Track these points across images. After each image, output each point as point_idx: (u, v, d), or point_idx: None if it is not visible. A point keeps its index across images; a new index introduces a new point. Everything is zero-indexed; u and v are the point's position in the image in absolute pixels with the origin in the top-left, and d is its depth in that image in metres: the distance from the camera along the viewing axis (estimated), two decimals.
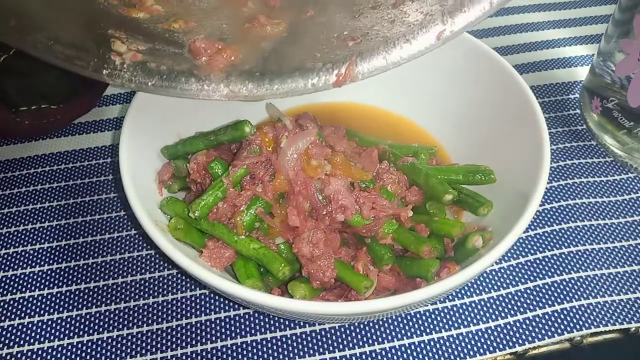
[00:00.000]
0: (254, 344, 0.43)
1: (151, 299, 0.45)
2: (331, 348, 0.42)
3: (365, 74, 0.39)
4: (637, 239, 0.49)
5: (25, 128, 0.53)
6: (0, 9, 0.35)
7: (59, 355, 0.42)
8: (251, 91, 0.39)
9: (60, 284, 0.46)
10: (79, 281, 0.46)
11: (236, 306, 0.45)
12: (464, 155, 0.49)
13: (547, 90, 0.63)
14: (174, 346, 0.42)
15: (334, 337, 0.43)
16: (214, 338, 0.43)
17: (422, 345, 0.42)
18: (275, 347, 0.42)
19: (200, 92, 0.39)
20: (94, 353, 0.42)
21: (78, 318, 0.44)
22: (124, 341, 0.43)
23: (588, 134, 0.58)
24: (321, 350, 0.42)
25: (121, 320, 0.44)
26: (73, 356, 0.42)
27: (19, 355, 0.42)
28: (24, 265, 0.48)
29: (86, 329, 0.44)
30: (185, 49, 0.39)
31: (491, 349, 0.42)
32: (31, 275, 0.47)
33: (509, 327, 0.43)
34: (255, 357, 0.42)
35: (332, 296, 0.41)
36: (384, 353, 0.42)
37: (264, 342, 0.43)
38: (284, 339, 0.43)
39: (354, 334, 0.43)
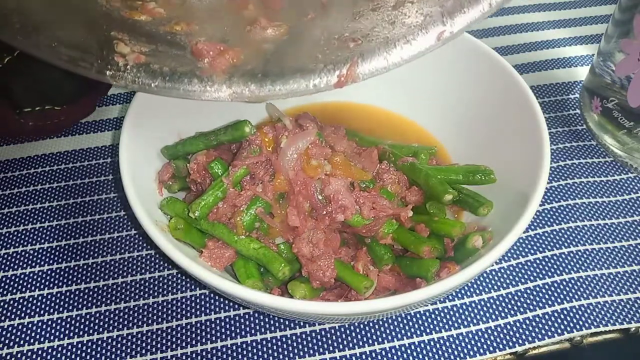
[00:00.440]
0: (254, 344, 0.43)
1: (151, 299, 0.45)
2: (331, 348, 0.42)
3: (367, 74, 0.39)
4: (637, 239, 0.49)
5: (29, 129, 0.54)
6: (3, 10, 0.35)
7: (59, 355, 0.42)
8: (253, 92, 0.39)
9: (60, 284, 0.46)
10: (79, 281, 0.46)
11: (236, 306, 0.45)
12: (464, 155, 0.49)
13: (547, 90, 0.63)
14: (174, 346, 0.42)
15: (334, 337, 0.43)
16: (214, 338, 0.43)
17: (422, 345, 0.42)
18: (275, 347, 0.42)
19: (203, 93, 0.39)
20: (94, 353, 0.42)
21: (78, 318, 0.44)
22: (124, 341, 0.43)
23: (588, 134, 0.58)
24: (321, 350, 0.42)
25: (121, 320, 0.44)
26: (73, 356, 0.42)
27: (19, 355, 0.42)
28: (24, 265, 0.48)
29: (86, 329, 0.44)
30: (187, 50, 0.39)
31: (491, 349, 0.42)
32: (31, 275, 0.47)
33: (509, 327, 0.43)
34: (255, 357, 0.42)
35: (332, 296, 0.41)
36: (384, 353, 0.42)
37: (264, 342, 0.43)
38: (284, 339, 0.43)
39: (354, 334, 0.43)
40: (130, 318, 0.44)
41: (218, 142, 0.44)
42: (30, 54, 0.36)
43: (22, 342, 0.43)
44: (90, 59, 0.37)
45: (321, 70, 0.39)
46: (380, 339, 0.43)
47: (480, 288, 0.45)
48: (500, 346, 0.42)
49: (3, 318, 0.44)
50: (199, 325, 0.44)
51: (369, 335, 0.43)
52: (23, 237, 0.50)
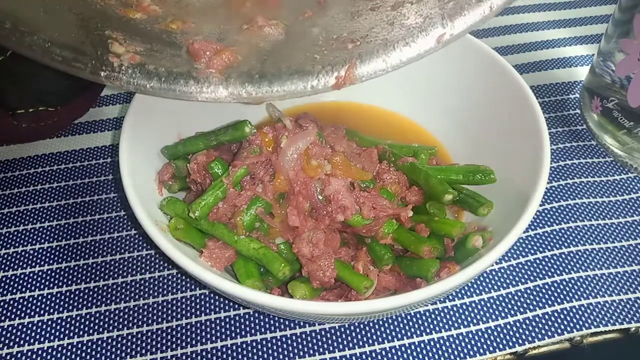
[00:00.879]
0: (254, 344, 0.43)
1: (151, 299, 0.45)
2: (331, 348, 0.42)
3: (365, 76, 0.38)
4: (637, 239, 0.49)
5: (23, 131, 0.53)
6: None
7: (59, 355, 0.42)
8: (250, 93, 0.39)
9: (60, 284, 0.46)
10: (79, 281, 0.46)
11: (236, 306, 0.45)
12: (464, 155, 0.49)
13: (547, 90, 0.63)
14: (174, 346, 0.42)
15: (334, 337, 0.43)
16: (214, 338, 0.43)
17: (422, 345, 0.42)
18: (275, 347, 0.42)
19: (200, 94, 0.38)
20: (94, 353, 0.42)
21: (78, 318, 0.44)
22: (124, 341, 0.43)
23: (588, 134, 0.58)
24: (321, 350, 0.42)
25: (121, 320, 0.44)
26: (73, 356, 0.42)
27: (19, 355, 0.42)
28: (24, 265, 0.48)
29: (86, 329, 0.44)
30: (183, 50, 0.39)
31: (491, 349, 0.42)
32: (31, 275, 0.47)
33: (509, 327, 0.43)
34: (255, 357, 0.42)
35: (332, 296, 0.41)
36: (384, 353, 0.42)
37: (264, 342, 0.43)
38: (284, 339, 0.43)
39: (354, 334, 0.43)
40: (130, 318, 0.44)
41: (218, 142, 0.44)
42: (23, 54, 0.36)
43: (22, 342, 0.43)
44: (84, 59, 0.36)
45: (319, 72, 0.38)
46: (380, 339, 0.43)
47: (480, 288, 0.45)
48: (500, 346, 0.42)
49: (3, 318, 0.44)
50: (199, 325, 0.44)
51: (369, 335, 0.43)
52: (23, 237, 0.50)
